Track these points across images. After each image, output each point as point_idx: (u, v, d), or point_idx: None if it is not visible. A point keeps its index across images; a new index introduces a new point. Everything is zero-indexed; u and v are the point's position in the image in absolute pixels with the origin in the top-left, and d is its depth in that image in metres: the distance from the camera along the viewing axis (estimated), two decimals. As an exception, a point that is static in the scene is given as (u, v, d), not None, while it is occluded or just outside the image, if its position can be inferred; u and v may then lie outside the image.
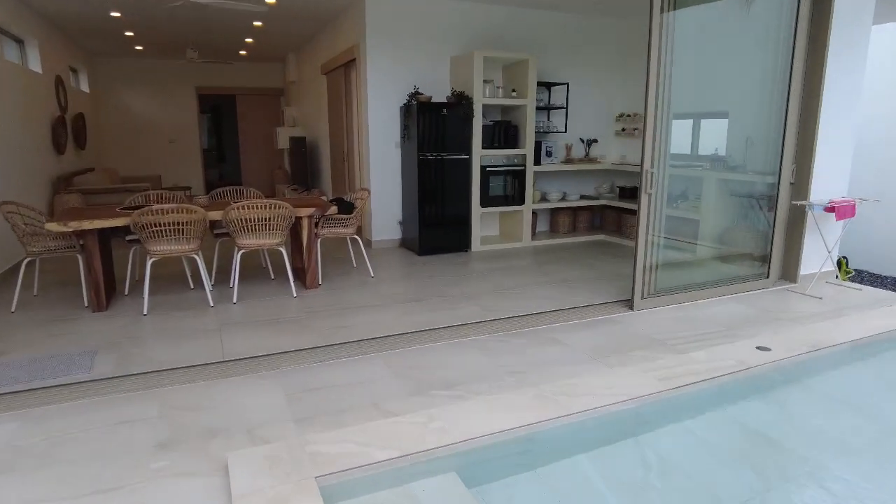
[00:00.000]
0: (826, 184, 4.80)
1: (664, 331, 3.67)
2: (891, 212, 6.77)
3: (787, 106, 4.55)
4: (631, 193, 6.72)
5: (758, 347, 3.25)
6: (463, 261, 5.58)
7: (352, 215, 4.77)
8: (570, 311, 4.01)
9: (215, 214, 4.03)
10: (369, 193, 4.88)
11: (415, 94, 5.66)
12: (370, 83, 5.81)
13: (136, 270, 4.71)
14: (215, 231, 4.64)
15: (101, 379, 2.88)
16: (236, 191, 5.02)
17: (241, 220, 4.03)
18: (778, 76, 4.58)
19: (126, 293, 4.37)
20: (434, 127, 5.56)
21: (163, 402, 2.64)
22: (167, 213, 3.77)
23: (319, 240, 4.64)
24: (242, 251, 4.18)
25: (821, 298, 4.47)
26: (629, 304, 4.14)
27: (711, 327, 3.75)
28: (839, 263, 5.48)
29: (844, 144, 4.85)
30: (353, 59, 6.24)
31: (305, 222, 4.39)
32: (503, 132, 6.05)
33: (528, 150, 6.09)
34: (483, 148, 5.89)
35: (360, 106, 6.11)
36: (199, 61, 8.20)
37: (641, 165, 3.89)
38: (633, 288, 4.05)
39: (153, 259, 3.91)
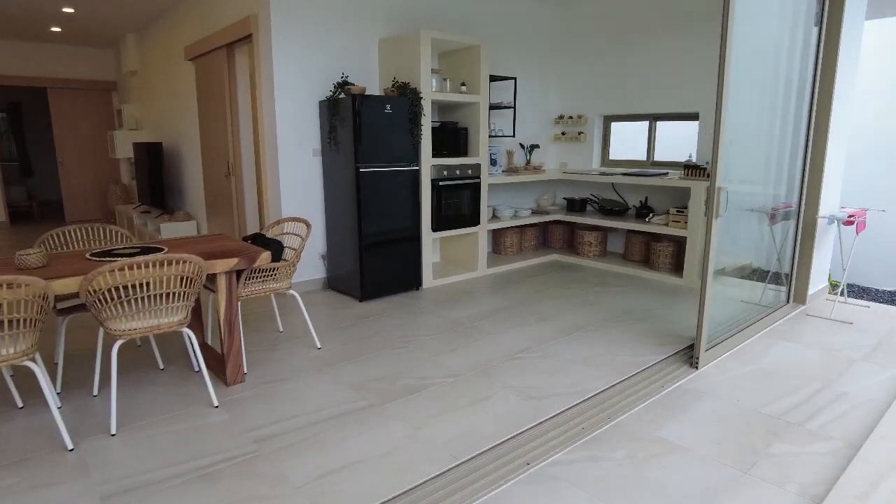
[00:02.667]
0: (824, 194, 4.32)
1: (758, 396, 2.76)
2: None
3: (811, 110, 3.95)
4: (580, 206, 5.91)
5: (922, 423, 2.45)
6: (423, 306, 4.25)
7: (287, 262, 3.21)
8: (631, 383, 2.93)
9: (66, 285, 2.27)
10: (309, 227, 3.35)
11: (344, 85, 4.19)
12: (277, 69, 4.21)
13: None
14: (59, 305, 2.78)
15: None
16: (90, 232, 3.16)
17: (119, 290, 2.32)
18: (792, 77, 3.96)
19: None
20: (375, 129, 4.15)
21: None
22: (-35, 294, 1.96)
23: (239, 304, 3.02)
24: (121, 342, 2.45)
25: (852, 324, 3.95)
26: (687, 358, 3.20)
27: (801, 383, 2.92)
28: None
29: (840, 150, 4.42)
30: (244, 39, 4.57)
31: (223, 282, 2.77)
32: (453, 136, 4.82)
33: (481, 158, 4.93)
34: (433, 156, 4.61)
35: (259, 100, 4.46)
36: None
37: (713, 180, 2.93)
38: (698, 342, 3.10)
39: (-62, 381, 2.06)
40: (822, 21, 3.80)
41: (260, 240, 3.31)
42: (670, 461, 2.22)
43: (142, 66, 7.39)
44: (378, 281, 4.37)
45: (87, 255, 2.65)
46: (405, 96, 4.27)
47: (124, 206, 7.69)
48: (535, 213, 5.82)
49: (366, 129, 4.09)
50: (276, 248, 3.25)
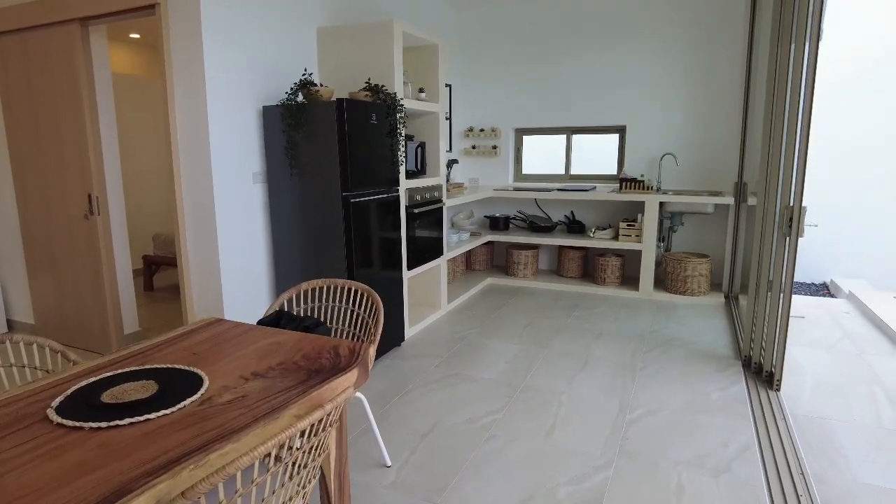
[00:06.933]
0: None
1: (868, 415, 2.72)
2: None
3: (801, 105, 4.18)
4: (504, 224, 5.54)
5: None
6: (432, 367, 3.36)
7: (362, 354, 2.12)
8: (760, 426, 2.65)
9: (132, 515, 1.00)
10: (375, 303, 2.26)
11: (306, 85, 3.07)
12: (209, 58, 2.88)
13: None
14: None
15: None
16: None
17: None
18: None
19: None
20: (361, 145, 3.13)
21: None
22: None
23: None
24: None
25: (804, 317, 4.34)
26: (756, 381, 3.07)
27: (872, 391, 3.00)
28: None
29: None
30: (114, 14, 3.06)
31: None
32: (417, 153, 3.98)
33: (441, 177, 4.19)
34: (406, 178, 3.73)
35: (171, 105, 3.01)
36: None
37: (796, 200, 2.80)
38: (778, 364, 2.97)
39: None
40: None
41: (290, 320, 2.14)
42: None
43: None
44: (365, 344, 3.33)
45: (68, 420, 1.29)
46: (381, 102, 3.33)
47: None
48: (473, 235, 5.24)
49: (353, 145, 3.05)
50: (324, 333, 2.13)
